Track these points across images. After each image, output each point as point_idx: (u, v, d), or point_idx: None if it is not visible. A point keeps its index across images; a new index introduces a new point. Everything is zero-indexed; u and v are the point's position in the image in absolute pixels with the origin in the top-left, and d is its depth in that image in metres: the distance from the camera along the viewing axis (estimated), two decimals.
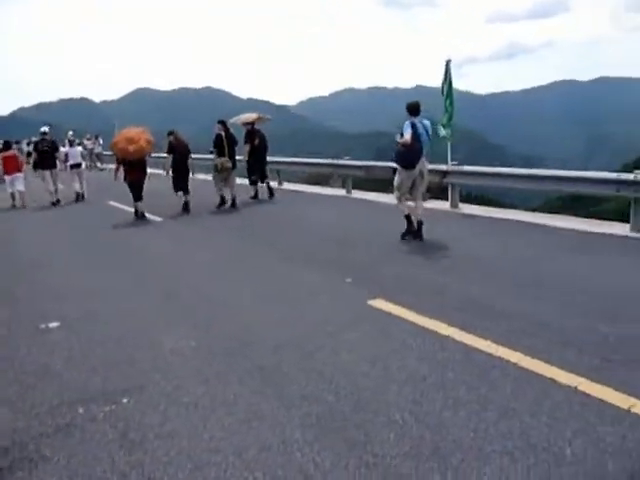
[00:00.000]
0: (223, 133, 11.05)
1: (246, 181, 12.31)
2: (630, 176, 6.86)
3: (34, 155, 14.20)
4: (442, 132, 9.59)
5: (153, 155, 11.53)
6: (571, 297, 4.75)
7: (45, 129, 14.23)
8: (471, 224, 8.42)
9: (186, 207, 11.01)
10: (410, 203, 7.38)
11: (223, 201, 11.14)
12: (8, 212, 13.40)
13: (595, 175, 7.58)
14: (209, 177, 12.02)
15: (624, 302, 4.56)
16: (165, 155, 11.50)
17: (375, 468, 2.60)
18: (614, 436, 2.73)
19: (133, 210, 10.80)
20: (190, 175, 11.56)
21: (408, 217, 7.23)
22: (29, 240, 9.72)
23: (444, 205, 9.75)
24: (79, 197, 14.48)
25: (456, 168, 9.34)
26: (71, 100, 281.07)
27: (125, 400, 3.46)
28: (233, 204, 11.06)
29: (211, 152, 11.54)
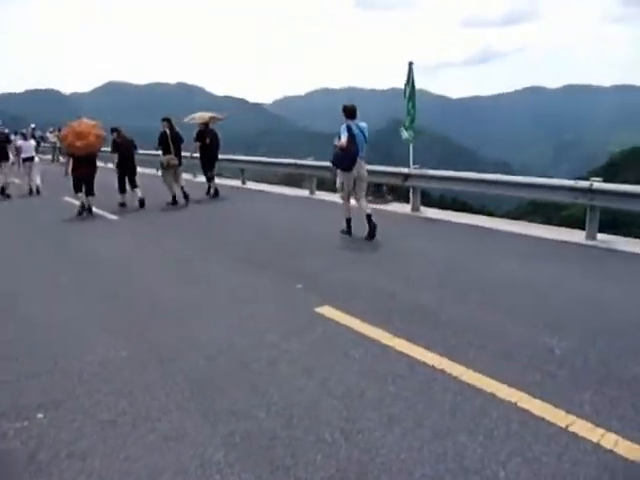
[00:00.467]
0: (168, 131, 11.17)
1: (194, 178, 12.80)
2: (586, 184, 6.84)
3: None
4: (405, 134, 9.48)
5: (103, 149, 11.45)
6: (519, 306, 4.66)
7: None
8: (429, 229, 8.32)
9: (141, 203, 11.04)
10: (353, 203, 7.63)
11: (175, 198, 11.20)
12: None
13: (552, 182, 7.55)
14: (159, 173, 12.11)
15: (571, 312, 4.49)
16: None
17: None
18: (550, 456, 2.62)
19: (79, 204, 10.58)
20: (137, 171, 11.67)
21: (349, 221, 7.57)
22: None
23: (405, 208, 9.65)
24: (32, 191, 13.97)
25: (418, 171, 9.24)
26: (39, 91, 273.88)
27: (40, 415, 3.21)
28: (186, 199, 11.16)
29: (156, 149, 11.71)
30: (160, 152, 11.31)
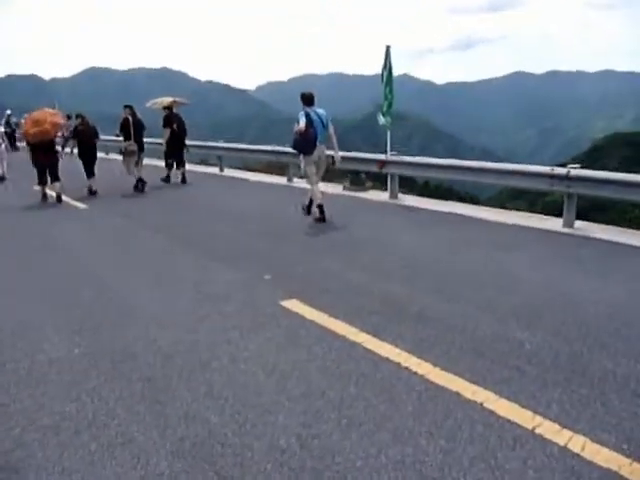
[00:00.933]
0: (130, 117, 11.30)
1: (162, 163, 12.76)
2: (563, 171, 6.72)
3: None
4: (382, 120, 9.26)
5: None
6: (492, 299, 4.52)
7: None
8: (405, 217, 8.16)
9: (91, 191, 11.09)
10: (320, 187, 7.85)
11: (138, 184, 11.33)
12: None
13: (530, 169, 7.41)
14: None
15: (545, 305, 4.36)
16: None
17: None
18: (514, 462, 2.48)
19: (41, 192, 10.55)
20: (97, 158, 11.61)
21: (321, 207, 7.63)
22: None
23: (383, 196, 9.48)
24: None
25: (395, 158, 9.06)
26: (18, 77, 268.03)
27: None
28: (142, 187, 11.28)
29: (117, 135, 11.83)
30: (121, 138, 11.49)
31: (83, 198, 10.79)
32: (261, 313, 4.37)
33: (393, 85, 9.06)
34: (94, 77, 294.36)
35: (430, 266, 5.52)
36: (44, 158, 10.20)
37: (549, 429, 2.69)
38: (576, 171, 6.66)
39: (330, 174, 13.71)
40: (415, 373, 3.29)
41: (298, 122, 7.31)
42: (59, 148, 10.80)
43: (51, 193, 10.52)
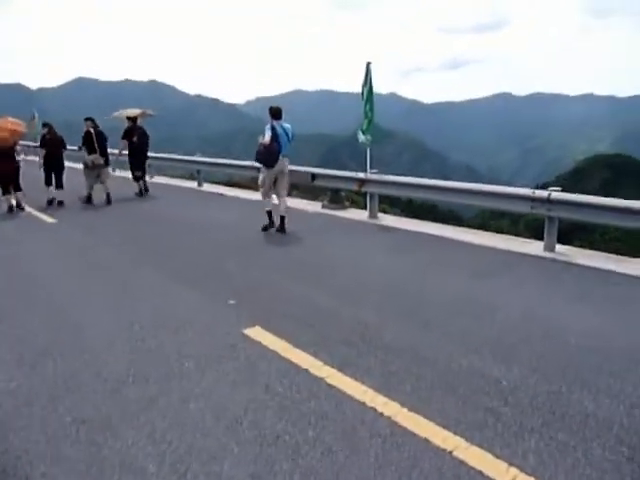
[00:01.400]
0: (92, 130, 11.09)
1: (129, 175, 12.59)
2: (544, 194, 6.53)
3: None
4: (361, 138, 9.06)
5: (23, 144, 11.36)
6: (467, 329, 4.25)
7: None
8: (382, 239, 7.87)
9: (54, 202, 10.89)
10: (275, 201, 8.07)
11: (90, 198, 11.06)
12: None
13: (510, 191, 7.23)
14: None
15: (523, 337, 4.10)
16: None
17: None
18: None
19: (7, 204, 10.33)
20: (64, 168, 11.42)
21: (269, 213, 8.00)
22: None
23: (362, 215, 9.24)
24: None
25: (375, 177, 8.84)
26: (4, 86, 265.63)
27: None
28: (108, 200, 11.00)
29: (79, 149, 11.55)
30: (84, 152, 11.19)
31: (47, 209, 10.56)
32: (222, 342, 4.05)
33: (374, 103, 8.87)
34: (82, 87, 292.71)
35: (403, 291, 5.26)
36: (3, 166, 9.97)
37: None
38: (557, 194, 6.48)
39: (312, 193, 13.52)
40: (381, 414, 3.01)
41: (264, 135, 7.48)
42: (20, 157, 10.59)
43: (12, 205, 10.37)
